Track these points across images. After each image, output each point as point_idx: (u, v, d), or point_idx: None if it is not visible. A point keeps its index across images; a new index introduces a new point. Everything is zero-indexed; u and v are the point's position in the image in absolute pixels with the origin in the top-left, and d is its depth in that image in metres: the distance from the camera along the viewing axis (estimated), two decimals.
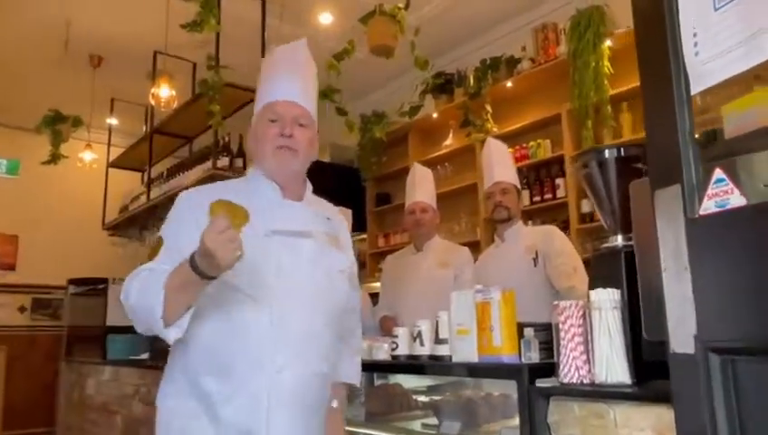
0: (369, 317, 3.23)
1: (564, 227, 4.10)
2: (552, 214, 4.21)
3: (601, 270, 1.59)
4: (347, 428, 2.15)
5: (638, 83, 3.66)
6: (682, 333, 1.08)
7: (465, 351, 1.69)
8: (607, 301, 1.42)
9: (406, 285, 3.07)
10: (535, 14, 4.58)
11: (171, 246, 1.39)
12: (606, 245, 1.64)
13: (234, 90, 3.95)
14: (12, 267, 6.26)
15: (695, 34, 1.11)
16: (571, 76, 3.86)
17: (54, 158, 4.86)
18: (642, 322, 1.34)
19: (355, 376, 1.69)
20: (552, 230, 2.64)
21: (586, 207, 3.97)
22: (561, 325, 1.50)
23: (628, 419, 1.30)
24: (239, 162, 3.97)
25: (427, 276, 3.03)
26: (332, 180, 5.71)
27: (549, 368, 1.54)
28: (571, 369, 1.46)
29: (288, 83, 1.53)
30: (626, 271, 1.52)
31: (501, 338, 1.60)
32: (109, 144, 5.79)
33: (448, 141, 5.04)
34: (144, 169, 5.36)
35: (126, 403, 3.74)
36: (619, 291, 1.44)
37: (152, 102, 4.02)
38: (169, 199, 3.66)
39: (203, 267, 1.20)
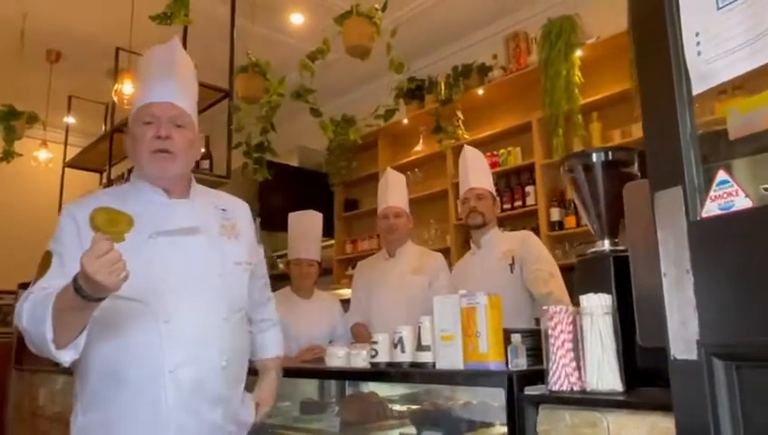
0: (341, 324, 3.16)
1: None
2: (522, 221, 4.22)
3: (588, 275, 1.56)
4: None
5: (608, 93, 3.69)
6: (683, 338, 1.05)
7: (450, 357, 1.64)
8: (598, 306, 1.39)
9: (378, 291, 3.01)
10: (507, 22, 4.61)
11: (61, 263, 1.38)
12: (593, 249, 1.62)
13: (201, 89, 3.82)
14: None
15: (697, 34, 1.09)
16: (542, 85, 3.89)
17: (7, 155, 4.61)
18: (637, 328, 1.32)
19: (278, 348, 1.83)
20: (528, 236, 2.62)
21: (556, 214, 3.99)
22: (550, 331, 1.46)
23: (622, 427, 1.27)
24: (205, 164, 3.84)
25: (399, 283, 2.97)
26: (300, 185, 5.63)
27: (537, 375, 1.50)
28: (560, 376, 1.42)
29: (162, 84, 1.51)
30: (615, 276, 1.51)
31: (487, 344, 1.56)
32: (66, 143, 5.53)
33: (419, 147, 5.01)
34: (103, 170, 5.15)
35: None
36: (610, 296, 1.41)
37: (115, 99, 3.86)
38: None
39: (89, 290, 1.17)
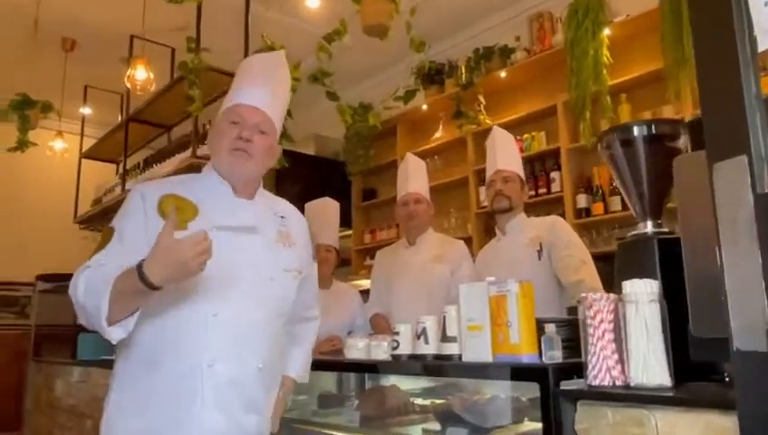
0: (360, 315, 3.06)
1: None
2: (547, 209, 4.07)
3: (631, 261, 1.44)
4: (340, 434, 1.98)
5: (638, 73, 3.50)
6: (749, 327, 0.92)
7: (478, 349, 1.52)
8: (644, 293, 1.26)
9: (398, 280, 2.90)
10: (530, 2, 4.45)
11: (121, 240, 1.40)
12: (634, 232, 1.49)
13: (216, 75, 3.73)
14: None
15: None
16: (568, 66, 3.72)
17: (21, 144, 4.58)
18: (690, 316, 1.20)
19: (300, 370, 1.75)
20: (557, 220, 2.48)
21: (582, 201, 3.84)
22: (589, 320, 1.34)
23: (674, 426, 1.14)
24: None
25: (420, 272, 2.86)
26: (317, 174, 5.53)
27: (574, 368, 1.38)
28: (601, 370, 1.30)
29: (258, 91, 1.55)
30: (660, 260, 1.38)
31: (519, 335, 1.44)
32: (82, 133, 5.51)
33: (438, 134, 4.89)
34: (119, 160, 5.11)
35: (97, 406, 3.49)
36: (657, 282, 1.28)
37: (128, 85, 3.78)
38: None
39: (160, 275, 1.20)
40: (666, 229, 1.45)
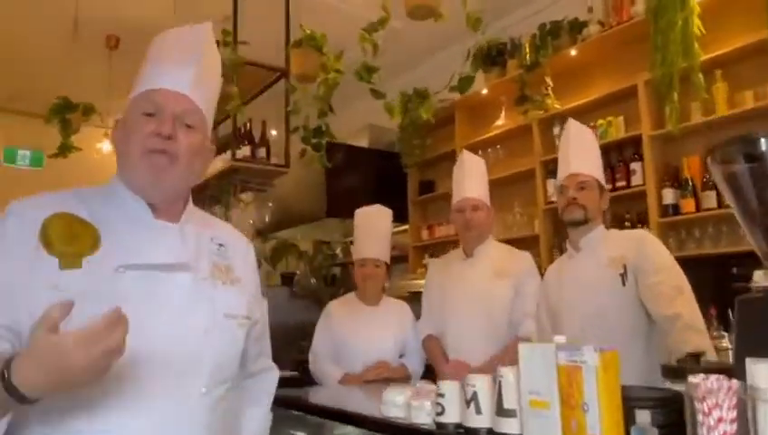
0: (413, 337, 2.75)
1: (641, 221, 3.51)
2: (626, 205, 3.61)
3: (757, 327, 1.04)
4: None
5: (736, 45, 2.90)
6: None
7: (544, 433, 1.17)
8: None
9: (453, 298, 2.58)
10: None
11: (7, 293, 1.00)
12: (761, 283, 1.09)
13: (254, 69, 3.52)
14: None
15: None
16: (651, 40, 3.21)
17: (63, 149, 4.51)
18: None
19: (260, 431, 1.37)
20: (645, 237, 2.05)
21: (669, 196, 3.35)
22: (701, 417, 0.96)
23: None
24: (262, 152, 3.53)
25: (479, 289, 2.53)
26: (371, 167, 5.24)
27: None
28: None
29: (177, 69, 1.16)
30: None
31: (599, 424, 1.08)
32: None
33: (500, 121, 4.47)
34: None
35: None
36: None
37: None
38: None
39: (38, 387, 0.85)
40: None
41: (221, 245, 1.25)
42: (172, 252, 1.13)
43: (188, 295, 1.11)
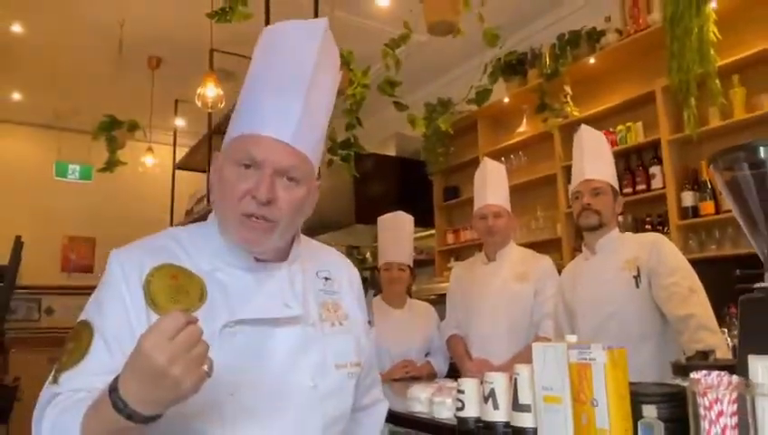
0: (437, 336, 2.79)
1: (661, 223, 3.48)
2: (647, 208, 3.59)
3: (758, 326, 1.06)
4: None
5: (752, 50, 2.86)
6: None
7: (557, 427, 1.21)
8: None
9: (476, 300, 2.61)
10: None
11: (107, 344, 0.90)
12: (763, 284, 1.11)
13: None
14: (90, 270, 6.26)
15: None
16: (668, 47, 3.19)
17: (110, 165, 4.69)
18: None
19: None
20: (659, 240, 2.06)
21: (689, 199, 3.32)
22: (703, 411, 0.99)
23: None
24: None
25: (501, 291, 2.56)
26: (397, 175, 5.30)
27: None
28: None
29: (282, 108, 0.97)
30: None
31: (608, 418, 1.11)
32: (174, 145, 5.61)
33: (522, 128, 4.47)
34: (207, 171, 5.15)
35: None
36: None
37: (198, 104, 3.71)
38: None
39: (141, 399, 0.74)
40: None
41: (327, 278, 1.13)
42: (283, 302, 1.01)
43: (299, 348, 1.01)
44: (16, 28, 4.56)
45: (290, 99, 0.98)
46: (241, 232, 0.98)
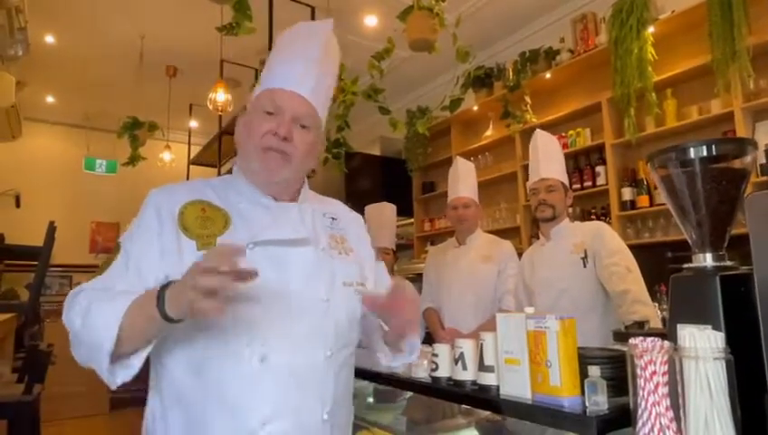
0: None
1: (604, 214, 3.52)
2: (592, 201, 3.62)
3: (686, 300, 1.07)
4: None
5: (683, 68, 2.88)
6: None
7: (516, 384, 1.22)
8: (707, 349, 0.91)
9: (448, 278, 2.61)
10: (573, 5, 3.91)
11: (126, 261, 0.96)
12: (691, 265, 1.12)
13: None
14: None
15: None
16: (612, 64, 3.21)
17: (133, 160, 4.60)
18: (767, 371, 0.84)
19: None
20: (602, 227, 2.07)
21: (627, 194, 3.35)
22: (639, 370, 0.99)
23: None
24: None
25: (469, 270, 2.55)
26: (382, 171, 5.28)
27: (620, 415, 1.05)
28: (653, 427, 0.96)
29: (301, 71, 1.04)
30: (724, 302, 1.01)
31: (560, 377, 1.12)
32: (189, 144, 5.53)
33: (489, 132, 4.47)
34: (218, 166, 5.08)
35: None
36: (721, 335, 0.92)
37: (210, 107, 3.65)
38: None
39: (171, 303, 0.81)
40: (729, 263, 1.07)
41: (334, 218, 1.16)
42: (294, 228, 1.04)
43: (311, 266, 1.02)
44: (50, 39, 4.44)
45: (309, 65, 1.06)
46: (263, 161, 1.02)
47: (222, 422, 0.92)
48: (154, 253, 0.96)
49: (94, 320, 0.87)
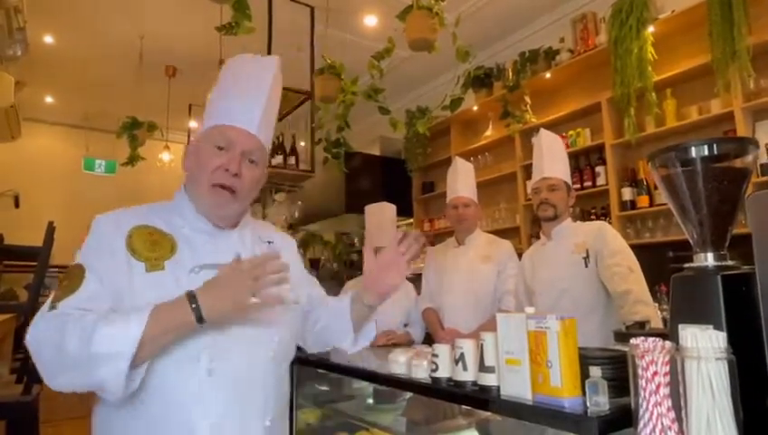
0: (415, 309, 2.78)
1: (604, 214, 3.51)
2: (592, 201, 3.61)
3: (688, 299, 1.06)
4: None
5: (683, 68, 2.86)
6: None
7: (517, 385, 1.21)
8: (709, 349, 0.90)
9: (448, 278, 2.60)
10: (573, 5, 3.91)
11: (99, 280, 0.98)
12: (692, 265, 1.11)
13: (285, 93, 3.48)
14: None
15: None
16: (612, 64, 3.21)
17: (132, 160, 4.59)
18: None
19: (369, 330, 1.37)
20: (604, 227, 2.06)
21: (627, 194, 3.35)
22: (641, 371, 0.99)
23: None
24: (292, 160, 3.56)
25: (468, 270, 2.55)
26: (382, 171, 5.27)
27: (621, 416, 1.05)
28: (655, 429, 0.96)
29: (249, 108, 1.11)
30: (725, 302, 1.01)
31: (561, 378, 1.11)
32: (188, 143, 5.51)
33: (488, 132, 4.47)
34: None
35: None
36: (723, 335, 0.92)
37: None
38: None
39: (207, 303, 0.93)
40: (731, 263, 1.06)
41: (270, 242, 1.23)
42: (235, 253, 1.07)
43: None
44: (49, 39, 4.43)
45: (255, 102, 1.13)
46: (212, 197, 1.09)
47: (168, 431, 0.98)
48: (116, 270, 1.00)
49: (106, 332, 0.89)
